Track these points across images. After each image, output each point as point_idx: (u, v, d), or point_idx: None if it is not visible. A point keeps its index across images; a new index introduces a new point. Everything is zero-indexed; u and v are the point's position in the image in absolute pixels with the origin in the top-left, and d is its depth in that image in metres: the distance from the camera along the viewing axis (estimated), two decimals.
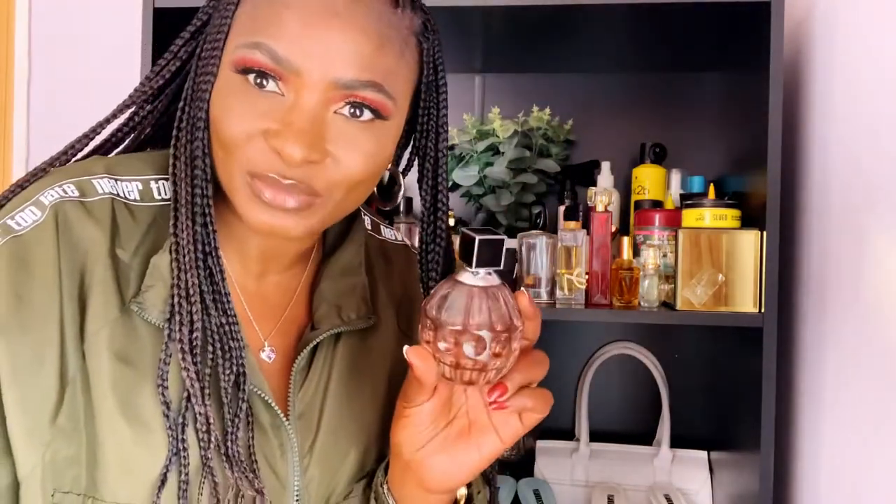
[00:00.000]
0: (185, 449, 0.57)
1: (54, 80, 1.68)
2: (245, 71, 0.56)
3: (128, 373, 0.57)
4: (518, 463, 1.44)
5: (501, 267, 0.53)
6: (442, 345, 0.53)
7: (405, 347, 0.55)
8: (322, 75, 0.56)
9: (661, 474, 1.39)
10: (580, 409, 1.48)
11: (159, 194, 0.62)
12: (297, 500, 0.64)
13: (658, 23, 1.21)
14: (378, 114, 0.59)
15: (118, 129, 0.66)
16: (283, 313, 0.68)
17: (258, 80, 0.56)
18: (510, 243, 0.53)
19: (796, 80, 1.25)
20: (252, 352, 0.63)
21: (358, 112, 0.58)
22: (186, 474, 0.57)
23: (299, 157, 0.55)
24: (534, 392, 0.57)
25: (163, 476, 0.57)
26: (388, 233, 0.80)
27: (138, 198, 0.61)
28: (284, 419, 0.63)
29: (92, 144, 0.65)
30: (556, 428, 1.53)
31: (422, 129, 0.67)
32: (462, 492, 0.67)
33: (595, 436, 1.47)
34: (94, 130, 0.65)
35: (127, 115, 0.66)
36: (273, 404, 0.63)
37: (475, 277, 0.53)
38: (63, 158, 0.64)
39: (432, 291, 0.55)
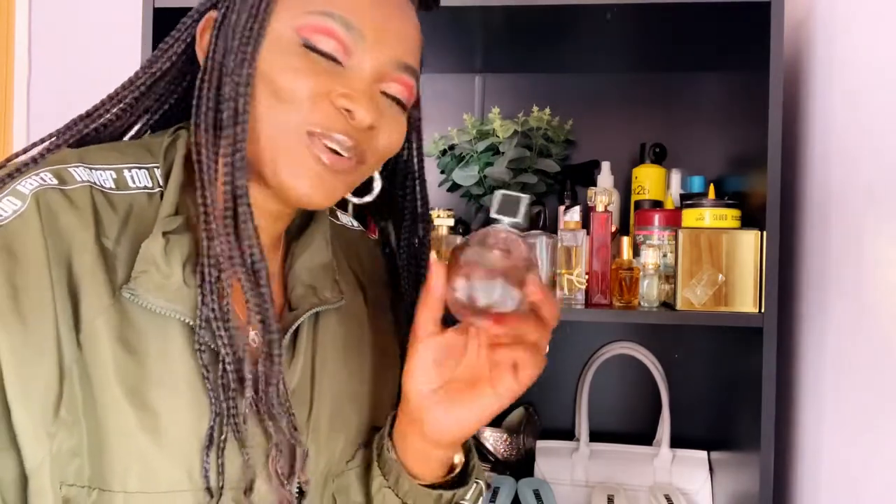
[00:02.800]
0: (230, 408, 0.58)
1: (54, 80, 1.67)
2: (312, 36, 0.59)
3: (130, 360, 0.56)
4: (518, 463, 1.44)
5: (519, 219, 0.59)
6: (460, 282, 0.56)
7: (431, 256, 0.60)
8: (386, 53, 0.61)
9: (661, 474, 1.39)
10: (580, 409, 1.48)
11: (133, 182, 0.61)
12: None
13: (658, 23, 1.21)
14: (401, 102, 0.64)
15: (118, 112, 0.66)
16: None
17: (322, 47, 0.59)
18: (527, 200, 0.60)
19: (796, 80, 1.25)
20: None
21: (390, 96, 0.63)
22: (226, 433, 0.58)
23: (369, 120, 0.59)
24: (527, 347, 0.58)
25: (209, 436, 0.58)
26: (344, 219, 0.82)
27: (114, 186, 0.60)
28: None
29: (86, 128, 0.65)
30: (556, 428, 1.53)
31: (408, 135, 0.74)
32: (458, 458, 0.70)
33: (595, 436, 1.47)
34: (93, 114, 0.65)
35: (129, 98, 0.65)
36: None
37: (500, 226, 0.58)
38: (54, 143, 0.63)
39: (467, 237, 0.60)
